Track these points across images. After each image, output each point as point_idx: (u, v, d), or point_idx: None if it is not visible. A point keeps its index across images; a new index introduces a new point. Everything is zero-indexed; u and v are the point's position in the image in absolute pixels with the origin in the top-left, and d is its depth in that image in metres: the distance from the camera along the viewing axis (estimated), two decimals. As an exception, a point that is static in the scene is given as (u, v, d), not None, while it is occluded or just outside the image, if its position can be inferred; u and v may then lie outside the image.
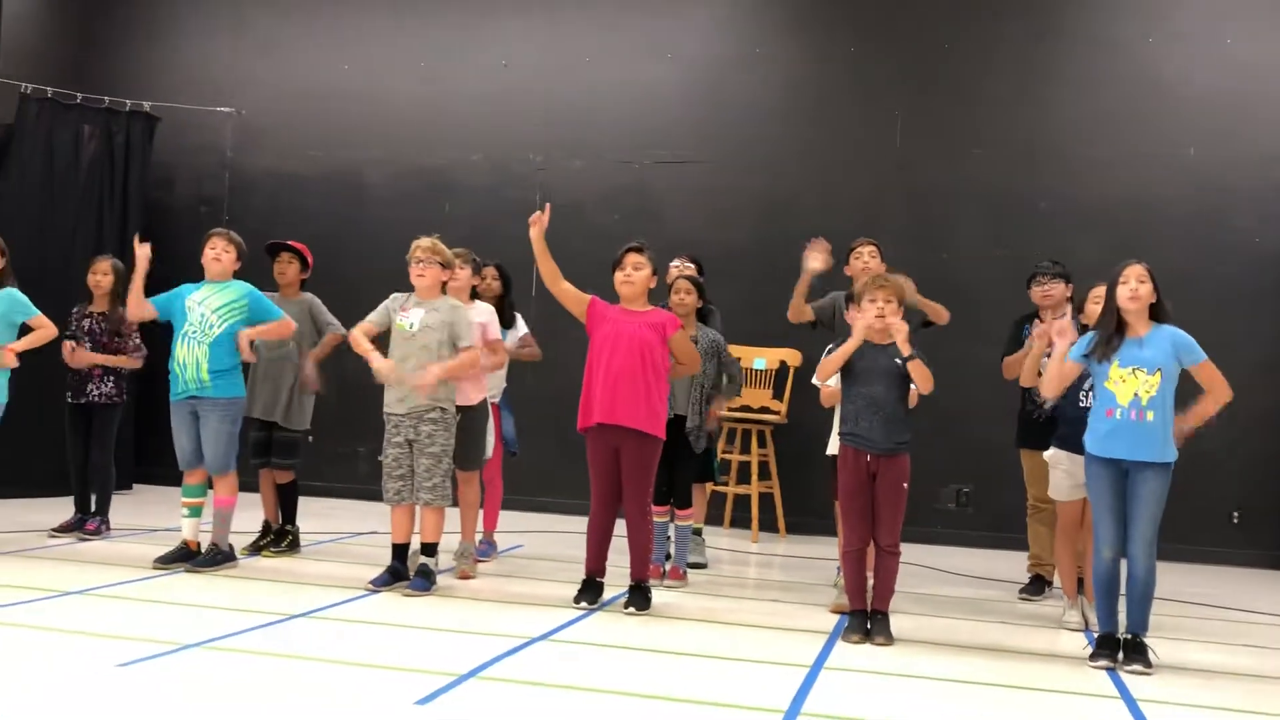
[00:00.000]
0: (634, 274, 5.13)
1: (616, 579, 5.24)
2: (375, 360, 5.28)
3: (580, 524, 5.29)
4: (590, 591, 5.16)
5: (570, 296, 5.18)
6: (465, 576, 5.62)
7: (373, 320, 5.40)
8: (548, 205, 5.23)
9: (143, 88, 9.02)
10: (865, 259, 5.82)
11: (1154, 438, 4.43)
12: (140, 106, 8.76)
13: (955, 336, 6.54)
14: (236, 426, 5.62)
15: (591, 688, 3.84)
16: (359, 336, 5.36)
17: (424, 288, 5.34)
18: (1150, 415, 4.42)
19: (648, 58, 8.52)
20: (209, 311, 5.53)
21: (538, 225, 5.13)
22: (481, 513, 6.20)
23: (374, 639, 4.42)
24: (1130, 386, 4.44)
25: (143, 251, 5.60)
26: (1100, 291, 5.09)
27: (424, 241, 5.38)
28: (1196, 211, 7.66)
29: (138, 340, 6.51)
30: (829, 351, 4.96)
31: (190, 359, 5.50)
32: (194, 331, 5.51)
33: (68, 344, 6.31)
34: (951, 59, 8.09)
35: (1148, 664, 4.41)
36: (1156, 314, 4.55)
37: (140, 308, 5.65)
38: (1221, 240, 7.60)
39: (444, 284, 5.43)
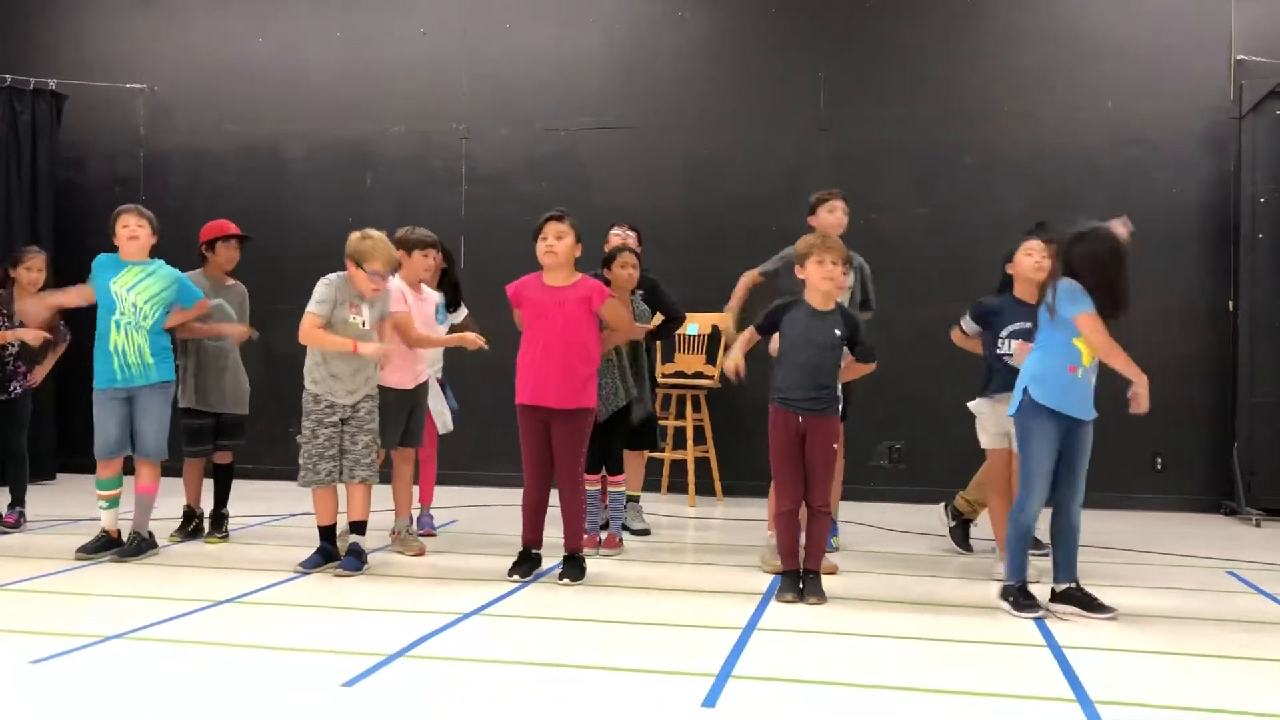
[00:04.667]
0: (556, 244, 5.03)
1: (555, 551, 5.21)
2: (364, 347, 5.08)
3: (517, 497, 5.25)
4: (525, 564, 5.13)
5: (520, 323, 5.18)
6: (420, 553, 5.61)
7: (321, 314, 5.12)
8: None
9: (47, 65, 8.71)
10: (839, 215, 5.84)
11: (1092, 397, 4.58)
12: (45, 85, 8.47)
13: (884, 294, 6.55)
14: (169, 411, 5.54)
15: (522, 661, 3.81)
16: (320, 335, 5.10)
17: (379, 296, 5.27)
18: (1093, 377, 4.56)
19: (569, 22, 8.41)
20: (142, 302, 5.43)
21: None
22: (418, 488, 6.15)
23: (303, 622, 4.35)
24: (1091, 349, 4.50)
25: (82, 295, 5.55)
26: (1034, 244, 5.14)
27: (379, 252, 5.08)
28: (1116, 164, 7.77)
29: (63, 325, 6.34)
30: (773, 307, 4.91)
31: (130, 345, 5.40)
32: (129, 322, 5.40)
33: (35, 377, 6.26)
34: (873, 17, 8.09)
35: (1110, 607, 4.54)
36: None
37: (82, 297, 5.55)
38: (1140, 191, 7.70)
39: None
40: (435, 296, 5.83)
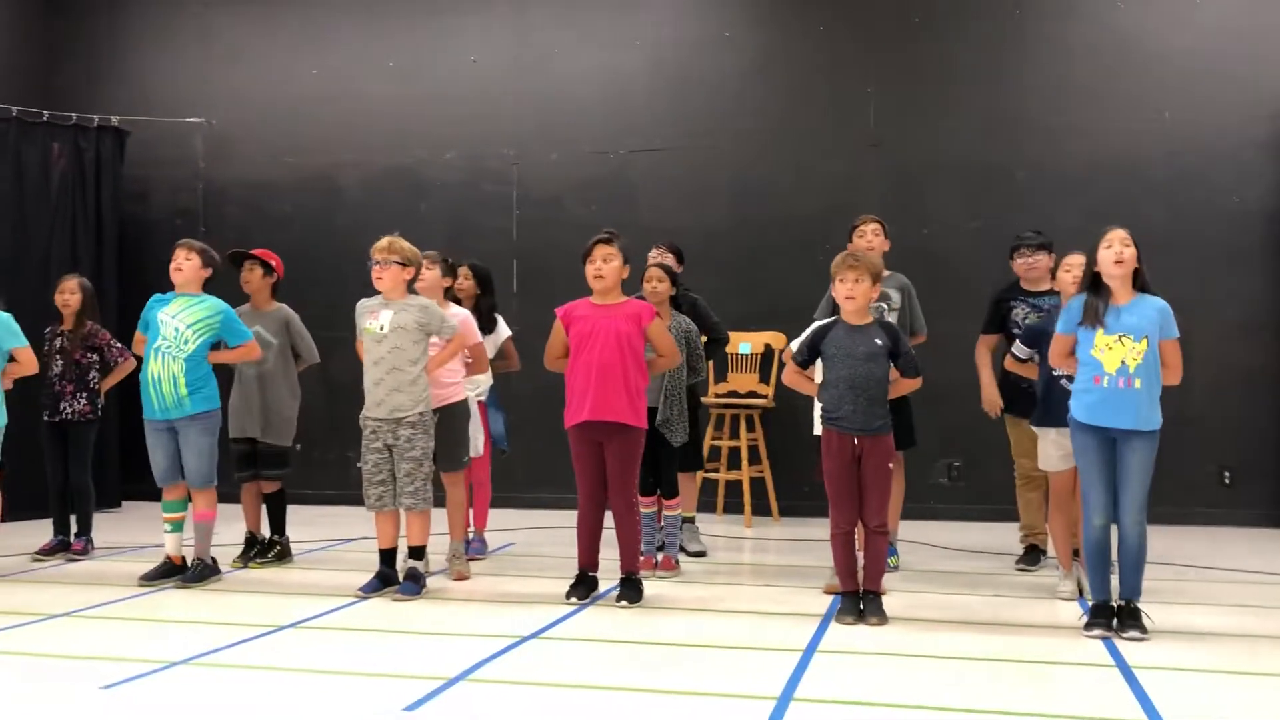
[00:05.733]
0: (604, 267, 5.07)
1: (612, 573, 5.20)
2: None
3: (572, 519, 5.24)
4: (582, 586, 5.13)
5: (560, 347, 5.15)
6: (461, 577, 5.59)
7: (358, 334, 5.38)
8: None
9: (110, 102, 8.93)
10: (869, 237, 5.78)
11: (1141, 405, 4.40)
12: (109, 121, 8.67)
13: (938, 310, 6.52)
14: (215, 438, 5.57)
15: (581, 684, 3.81)
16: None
17: (386, 289, 5.28)
18: (1138, 383, 4.39)
19: (617, 46, 8.46)
20: (184, 327, 5.48)
21: None
22: (472, 511, 6.17)
23: (363, 646, 4.38)
24: (1117, 354, 4.40)
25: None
26: (1073, 260, 5.07)
27: (381, 241, 5.31)
28: (1175, 174, 7.63)
29: (118, 346, 6.45)
30: (810, 336, 4.90)
31: (165, 374, 5.44)
32: (168, 346, 5.46)
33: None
34: (922, 32, 8.04)
35: (1143, 629, 4.40)
36: (1138, 281, 4.51)
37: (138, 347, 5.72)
38: (1201, 201, 7.56)
39: (409, 282, 5.34)
40: (461, 314, 5.77)
